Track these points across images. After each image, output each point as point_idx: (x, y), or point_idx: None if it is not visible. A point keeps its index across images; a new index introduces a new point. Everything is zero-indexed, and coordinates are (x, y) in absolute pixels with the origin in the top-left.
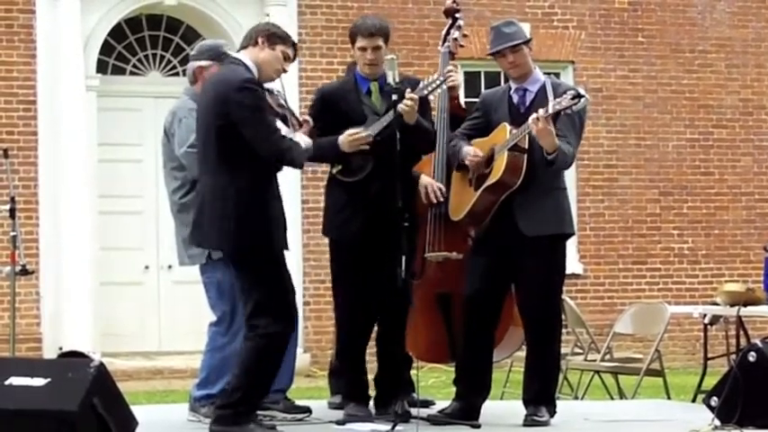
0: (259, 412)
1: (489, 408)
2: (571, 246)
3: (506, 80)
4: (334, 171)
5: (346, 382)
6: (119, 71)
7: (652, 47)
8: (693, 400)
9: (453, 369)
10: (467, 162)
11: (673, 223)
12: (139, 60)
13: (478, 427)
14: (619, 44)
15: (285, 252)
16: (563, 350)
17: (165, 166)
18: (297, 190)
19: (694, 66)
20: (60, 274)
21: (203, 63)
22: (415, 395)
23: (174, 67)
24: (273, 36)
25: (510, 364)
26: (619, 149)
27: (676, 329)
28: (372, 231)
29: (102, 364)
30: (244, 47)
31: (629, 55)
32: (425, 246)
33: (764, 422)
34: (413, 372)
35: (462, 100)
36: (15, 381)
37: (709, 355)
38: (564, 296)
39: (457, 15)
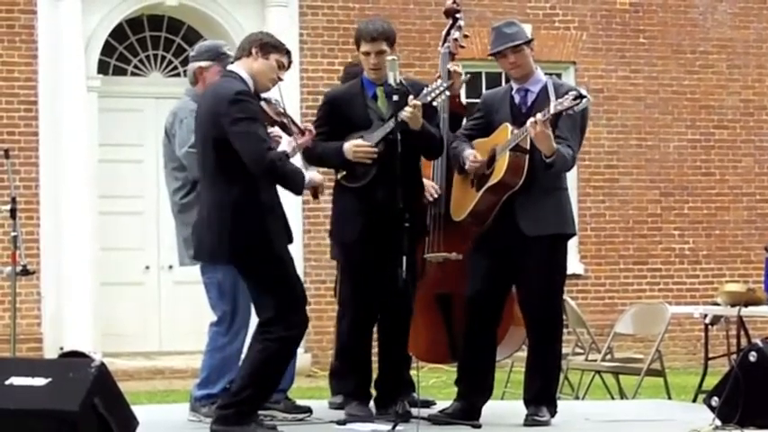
0: (260, 412)
1: (490, 408)
2: (572, 246)
3: (507, 81)
4: (339, 177)
5: (348, 382)
6: (120, 72)
7: (653, 48)
8: (694, 401)
9: (454, 369)
10: (466, 167)
11: (674, 224)
12: (140, 61)
13: (479, 427)
14: (620, 45)
15: (292, 257)
16: (564, 350)
17: (166, 167)
18: None
19: (695, 66)
20: (61, 274)
21: (203, 63)
22: (415, 395)
23: (176, 68)
24: (267, 45)
25: (511, 364)
26: (620, 150)
27: (677, 330)
28: (375, 233)
29: (102, 364)
30: (238, 58)
31: (631, 56)
32: (425, 246)
33: (765, 422)
34: (413, 372)
35: (464, 100)
36: (16, 381)
37: (710, 356)
38: (565, 296)
39: (457, 16)
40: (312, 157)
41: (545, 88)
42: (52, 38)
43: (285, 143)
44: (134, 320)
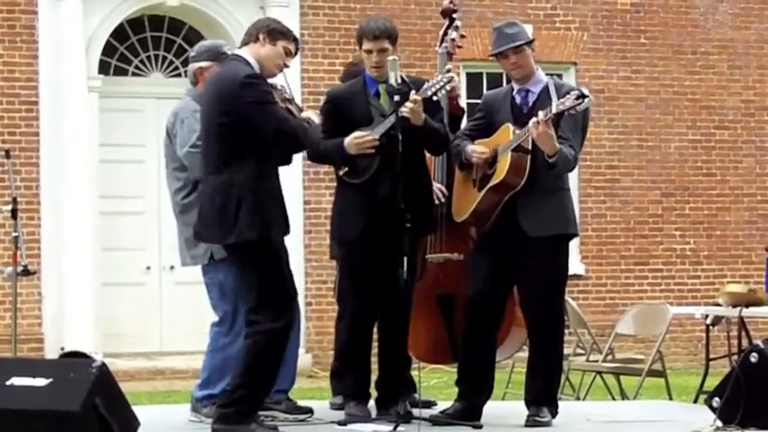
0: (261, 412)
1: (491, 408)
2: (573, 247)
3: (508, 81)
4: (341, 173)
5: (348, 382)
6: (121, 72)
7: (654, 48)
8: (695, 401)
9: (455, 370)
10: (472, 160)
11: (675, 224)
12: (141, 61)
13: (480, 427)
14: (621, 45)
15: (287, 249)
16: (565, 351)
17: (167, 167)
18: (299, 191)
19: (696, 67)
20: (62, 274)
21: (203, 64)
22: (416, 396)
23: (177, 68)
24: (274, 31)
25: (512, 364)
26: (621, 151)
27: (678, 330)
28: (376, 232)
29: (104, 365)
30: (245, 43)
31: (632, 56)
32: (426, 247)
33: (766, 423)
34: (415, 372)
35: (464, 101)
36: (17, 381)
37: (711, 356)
38: (566, 297)
39: (454, 16)
40: (314, 155)
41: (546, 89)
42: (53, 38)
43: None
44: (135, 321)
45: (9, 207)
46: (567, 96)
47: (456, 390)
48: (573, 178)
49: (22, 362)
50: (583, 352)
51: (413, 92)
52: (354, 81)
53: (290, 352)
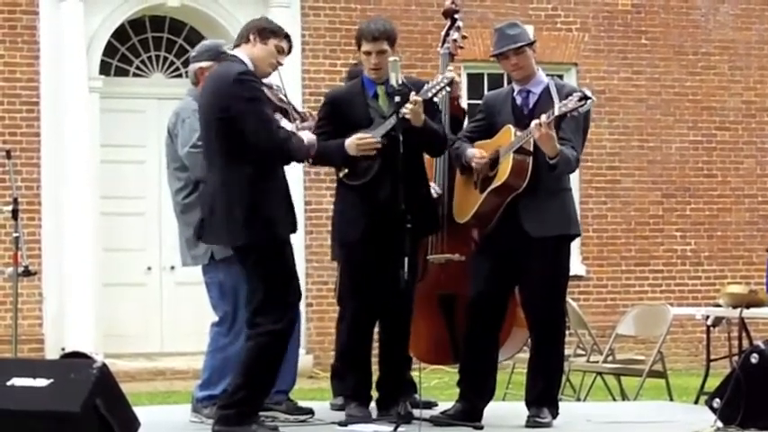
0: (261, 413)
1: (492, 409)
2: (574, 247)
3: (509, 82)
4: (341, 175)
5: (348, 383)
6: (122, 73)
7: (655, 49)
8: (696, 402)
9: (456, 370)
10: (473, 165)
11: (675, 225)
12: (142, 62)
13: (481, 428)
14: (622, 46)
15: (293, 248)
16: (566, 352)
17: (169, 167)
18: (300, 192)
19: (697, 68)
20: (63, 275)
21: (204, 64)
22: (417, 396)
23: (177, 69)
24: (265, 31)
25: (512, 365)
26: (622, 151)
27: (679, 331)
28: (377, 233)
29: (104, 365)
30: (237, 45)
31: (633, 57)
32: (428, 247)
33: (766, 424)
34: (415, 373)
35: (465, 102)
36: (18, 381)
37: (712, 357)
38: (567, 298)
39: (456, 16)
40: (315, 157)
41: (547, 90)
42: (54, 39)
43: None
44: (136, 321)
45: (10, 207)
46: (570, 98)
47: (457, 390)
48: (574, 179)
49: (22, 362)
50: (583, 353)
51: (413, 93)
52: (353, 83)
53: (291, 352)
